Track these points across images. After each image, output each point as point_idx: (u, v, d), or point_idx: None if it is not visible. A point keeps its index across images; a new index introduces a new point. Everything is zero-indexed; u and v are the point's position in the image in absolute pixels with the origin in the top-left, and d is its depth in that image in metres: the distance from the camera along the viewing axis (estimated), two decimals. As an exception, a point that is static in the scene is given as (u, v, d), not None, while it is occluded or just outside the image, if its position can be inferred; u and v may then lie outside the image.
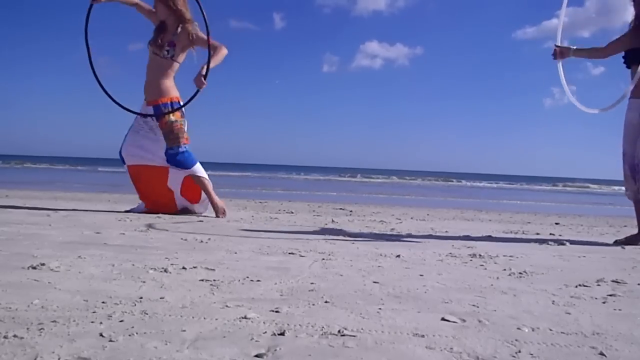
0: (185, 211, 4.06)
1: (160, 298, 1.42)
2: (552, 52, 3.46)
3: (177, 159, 3.92)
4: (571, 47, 3.41)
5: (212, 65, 3.79)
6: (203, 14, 3.72)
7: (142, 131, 3.96)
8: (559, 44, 3.44)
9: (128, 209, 4.10)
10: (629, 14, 3.20)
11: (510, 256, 2.43)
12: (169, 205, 4.02)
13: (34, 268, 1.75)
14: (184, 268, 1.85)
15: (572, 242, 3.11)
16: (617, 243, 3.18)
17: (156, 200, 4.01)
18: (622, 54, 3.26)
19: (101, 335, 1.10)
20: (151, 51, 3.93)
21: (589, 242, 3.23)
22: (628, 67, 3.25)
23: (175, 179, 3.97)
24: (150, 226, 3.13)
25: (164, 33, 3.93)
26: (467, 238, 3.18)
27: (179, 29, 3.91)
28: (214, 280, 1.68)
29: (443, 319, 1.31)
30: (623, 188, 3.35)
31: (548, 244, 3.02)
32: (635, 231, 3.22)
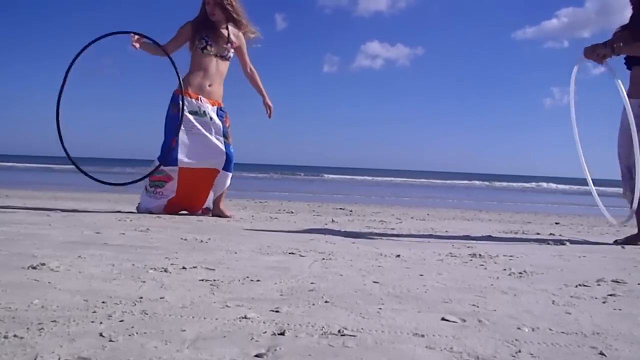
0: (204, 211, 4.07)
1: (160, 298, 1.42)
2: (583, 52, 3.18)
3: (233, 155, 3.98)
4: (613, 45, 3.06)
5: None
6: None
7: (195, 130, 3.90)
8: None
9: (143, 208, 3.97)
10: (627, 14, 3.19)
11: (510, 256, 2.43)
12: (197, 206, 4.03)
13: (34, 268, 1.75)
14: (184, 268, 1.85)
15: (572, 242, 3.11)
16: (617, 243, 3.18)
17: (190, 202, 4.01)
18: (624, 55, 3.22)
19: (101, 335, 1.09)
20: (210, 53, 3.92)
21: (589, 242, 3.23)
22: (629, 68, 3.24)
23: (221, 181, 3.97)
24: (149, 227, 3.13)
25: (218, 32, 3.95)
26: (467, 238, 3.18)
27: (229, 30, 3.97)
28: (214, 280, 1.68)
29: (443, 319, 1.31)
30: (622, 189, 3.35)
31: (548, 244, 3.02)
32: (635, 231, 3.22)
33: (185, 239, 2.63)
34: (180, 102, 3.81)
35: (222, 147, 3.92)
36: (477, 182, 24.86)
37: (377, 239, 2.99)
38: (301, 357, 1.02)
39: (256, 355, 1.01)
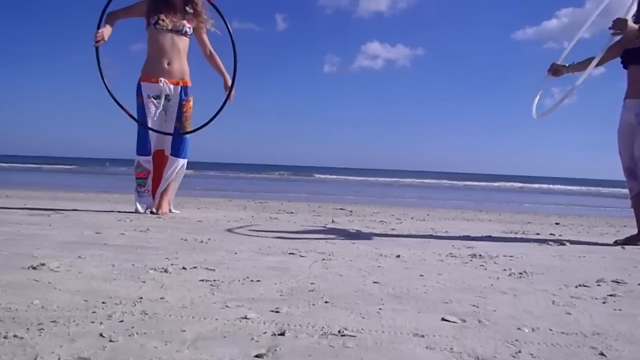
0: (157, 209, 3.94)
1: (160, 298, 1.42)
2: (548, 68, 3.55)
3: (185, 142, 3.92)
4: (565, 65, 3.47)
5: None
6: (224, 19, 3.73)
7: (158, 112, 3.86)
8: (558, 63, 3.50)
9: (141, 209, 3.94)
10: (628, 15, 3.19)
11: (510, 256, 2.43)
12: (153, 193, 3.97)
13: (34, 268, 1.75)
14: (184, 268, 1.85)
15: (572, 242, 3.11)
16: (617, 243, 3.18)
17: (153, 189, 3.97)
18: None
19: (101, 335, 1.09)
20: (164, 27, 3.81)
21: (589, 242, 3.23)
22: (625, 67, 3.27)
23: (170, 168, 3.91)
24: (149, 227, 3.13)
25: (174, 10, 3.86)
26: (467, 238, 3.18)
27: (188, 9, 3.89)
28: (214, 280, 1.68)
29: (443, 319, 1.31)
30: (623, 189, 3.37)
31: (548, 244, 3.02)
32: (635, 231, 3.22)
33: (185, 239, 2.63)
34: (143, 90, 3.82)
35: (171, 131, 3.87)
36: (477, 183, 24.86)
37: (377, 239, 2.99)
38: (301, 357, 1.02)
39: (256, 356, 1.01)
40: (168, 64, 3.85)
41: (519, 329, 1.25)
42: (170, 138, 3.89)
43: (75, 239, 2.52)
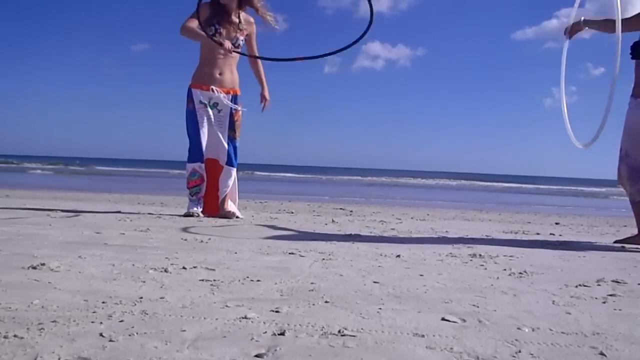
0: (225, 214, 3.94)
1: (161, 298, 1.42)
2: (564, 32, 3.40)
3: (237, 152, 3.97)
4: (580, 21, 3.32)
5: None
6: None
7: (208, 121, 3.90)
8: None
9: (193, 212, 3.87)
10: (628, 14, 3.16)
11: (511, 256, 2.43)
12: (214, 206, 3.97)
13: (34, 268, 1.75)
14: (184, 268, 1.85)
15: (572, 242, 3.11)
16: (617, 242, 3.17)
17: (208, 199, 3.98)
18: (631, 44, 3.14)
19: (101, 335, 1.09)
20: (223, 40, 3.84)
21: (589, 242, 3.23)
22: (633, 57, 3.12)
23: (225, 177, 3.96)
24: (150, 227, 3.13)
25: (230, 21, 3.89)
26: (467, 238, 3.18)
27: (240, 17, 3.92)
28: (214, 280, 1.68)
29: (443, 319, 1.31)
30: (622, 189, 3.30)
31: (548, 244, 3.02)
32: (636, 231, 3.21)
33: (185, 239, 2.63)
34: (195, 96, 3.83)
35: (225, 142, 3.92)
36: (477, 183, 24.85)
37: (377, 239, 2.98)
38: (301, 357, 1.02)
39: (256, 356, 1.01)
40: (220, 74, 3.92)
41: (519, 328, 1.25)
42: (224, 148, 3.93)
43: (75, 238, 2.52)
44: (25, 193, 6.19)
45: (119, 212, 3.99)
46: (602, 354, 1.09)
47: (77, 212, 3.89)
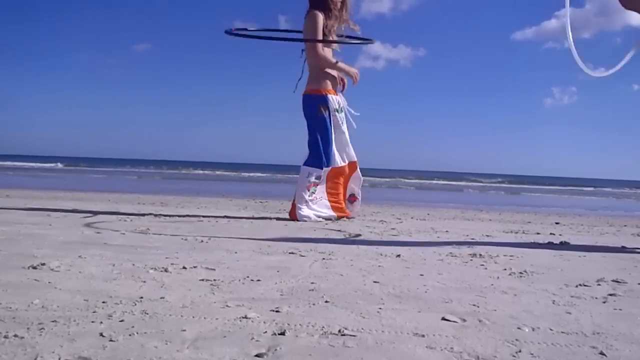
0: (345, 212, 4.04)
1: (161, 298, 1.42)
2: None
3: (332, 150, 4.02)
4: None
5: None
6: None
7: (339, 127, 3.97)
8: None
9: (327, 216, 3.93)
10: (628, 16, 3.12)
11: (511, 256, 2.43)
12: (341, 207, 4.03)
13: (34, 268, 1.75)
14: (184, 268, 1.85)
15: (572, 242, 3.11)
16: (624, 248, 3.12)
17: (335, 200, 4.02)
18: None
19: (101, 335, 1.09)
20: (333, 47, 3.97)
21: (589, 242, 3.23)
22: None
23: (358, 175, 4.07)
24: (149, 228, 3.13)
25: (337, 23, 3.97)
26: (467, 237, 3.18)
27: (344, 14, 3.99)
28: (214, 280, 1.68)
29: (443, 319, 1.31)
30: (623, 189, 3.29)
31: (548, 244, 3.02)
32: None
33: (186, 239, 2.63)
34: (330, 103, 3.89)
35: (350, 143, 4.03)
36: (477, 182, 24.85)
37: (377, 239, 2.98)
38: (301, 357, 1.02)
39: (256, 355, 1.01)
40: (334, 79, 3.99)
41: (519, 328, 1.25)
42: (351, 146, 4.02)
43: (75, 238, 2.52)
44: (26, 193, 6.19)
45: (119, 212, 3.99)
46: (602, 353, 1.09)
47: (77, 211, 3.89)
